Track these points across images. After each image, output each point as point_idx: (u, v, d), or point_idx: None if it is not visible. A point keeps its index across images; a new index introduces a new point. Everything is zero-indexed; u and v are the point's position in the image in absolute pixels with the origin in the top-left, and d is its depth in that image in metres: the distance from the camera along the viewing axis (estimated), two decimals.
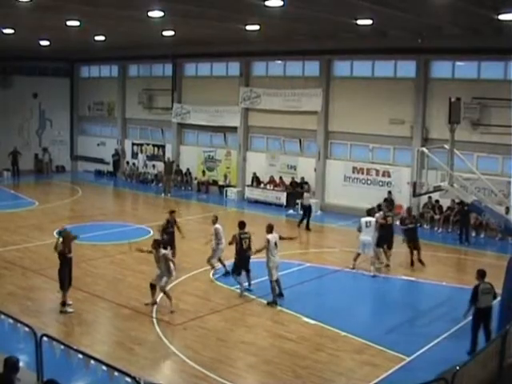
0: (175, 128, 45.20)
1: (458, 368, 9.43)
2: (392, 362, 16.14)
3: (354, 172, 36.40)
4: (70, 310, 19.11)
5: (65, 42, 39.03)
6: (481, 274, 17.02)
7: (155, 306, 19.69)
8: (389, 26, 29.55)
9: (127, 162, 48.71)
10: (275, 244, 20.68)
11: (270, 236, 20.72)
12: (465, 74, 32.38)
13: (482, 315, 16.56)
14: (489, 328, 16.53)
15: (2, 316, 13.71)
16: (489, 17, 23.17)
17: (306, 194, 33.45)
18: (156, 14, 24.95)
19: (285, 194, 38.37)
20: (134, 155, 48.60)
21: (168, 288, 19.90)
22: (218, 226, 23.33)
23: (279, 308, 20.01)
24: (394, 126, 34.47)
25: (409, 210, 27.01)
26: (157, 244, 19.93)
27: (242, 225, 21.74)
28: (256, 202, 39.11)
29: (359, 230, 24.37)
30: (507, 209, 26.78)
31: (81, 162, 52.70)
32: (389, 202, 33.60)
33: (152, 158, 47.37)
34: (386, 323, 19.13)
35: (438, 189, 21.65)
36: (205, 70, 43.73)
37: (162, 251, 19.85)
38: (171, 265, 19.68)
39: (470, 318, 16.77)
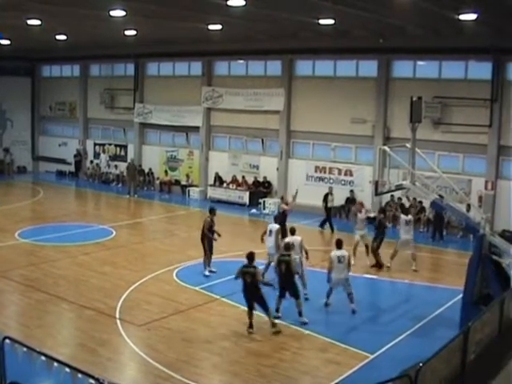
0: (137, 128, 44.97)
1: (421, 365, 9.48)
2: (356, 360, 16.22)
3: (316, 171, 36.51)
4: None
5: (26, 41, 38.64)
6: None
7: (118, 306, 19.64)
8: (351, 25, 29.66)
9: (91, 162, 48.30)
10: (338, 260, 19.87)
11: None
12: (426, 74, 32.62)
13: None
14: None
15: None
16: (449, 17, 23.41)
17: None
18: (118, 13, 24.82)
19: (247, 193, 38.36)
20: (96, 155, 48.24)
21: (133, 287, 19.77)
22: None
23: (243, 308, 20.01)
24: (355, 125, 34.65)
25: None
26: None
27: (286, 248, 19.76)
28: (219, 201, 38.97)
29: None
30: (468, 206, 27.12)
31: (42, 163, 52.08)
32: (351, 200, 33.89)
33: (114, 158, 47.09)
34: (348, 321, 19.23)
35: (399, 187, 21.78)
36: (167, 70, 43.58)
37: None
38: None
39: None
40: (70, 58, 47.90)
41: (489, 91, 30.10)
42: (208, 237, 23.56)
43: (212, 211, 24.38)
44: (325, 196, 32.83)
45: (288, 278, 18.86)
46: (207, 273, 23.32)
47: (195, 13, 25.59)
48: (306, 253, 21.73)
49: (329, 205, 32.43)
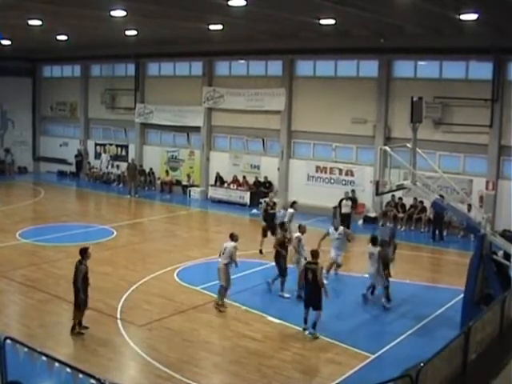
0: (138, 128, 44.95)
1: (422, 364, 9.48)
2: (357, 360, 16.22)
3: (317, 171, 36.51)
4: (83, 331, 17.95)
5: (26, 42, 38.66)
6: None
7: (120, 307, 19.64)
8: (351, 25, 29.68)
9: (88, 163, 48.39)
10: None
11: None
12: (427, 74, 32.62)
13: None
14: None
15: None
16: (450, 17, 23.40)
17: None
18: (119, 13, 24.83)
19: (248, 193, 38.36)
20: (97, 155, 48.24)
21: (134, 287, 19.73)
22: None
23: (244, 308, 20.00)
24: (356, 125, 34.62)
25: None
26: None
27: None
28: (219, 201, 39.06)
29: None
30: (469, 206, 27.11)
31: (43, 163, 52.05)
32: (352, 199, 33.82)
33: (115, 158, 47.06)
34: (349, 321, 19.21)
35: (400, 187, 21.76)
36: (168, 70, 43.58)
37: None
38: None
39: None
40: (70, 59, 47.89)
41: (489, 91, 30.09)
42: (282, 255, 21.66)
43: (282, 227, 22.83)
44: (340, 201, 31.84)
45: (314, 288, 17.93)
46: (286, 295, 21.37)
47: (196, 13, 25.58)
48: (235, 261, 20.41)
49: (343, 210, 31.29)
